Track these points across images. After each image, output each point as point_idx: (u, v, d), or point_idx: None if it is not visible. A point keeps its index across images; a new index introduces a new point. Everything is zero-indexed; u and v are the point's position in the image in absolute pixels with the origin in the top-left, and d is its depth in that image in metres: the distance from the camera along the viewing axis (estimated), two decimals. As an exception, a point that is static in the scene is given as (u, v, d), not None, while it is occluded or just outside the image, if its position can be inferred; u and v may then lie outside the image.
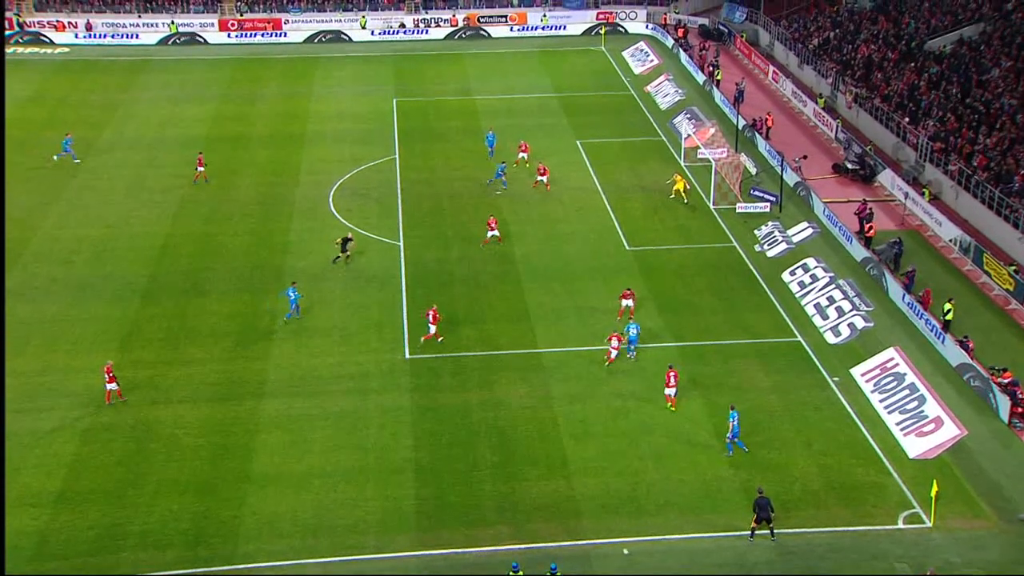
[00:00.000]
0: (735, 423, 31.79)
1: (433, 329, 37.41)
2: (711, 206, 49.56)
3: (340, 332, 38.68)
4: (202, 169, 52.51)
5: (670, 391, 34.40)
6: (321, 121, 61.99)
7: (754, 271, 43.35)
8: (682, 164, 54.89)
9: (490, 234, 44.87)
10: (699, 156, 53.35)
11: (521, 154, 52.93)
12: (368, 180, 53.15)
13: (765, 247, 45.46)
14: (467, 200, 50.57)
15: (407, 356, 37.08)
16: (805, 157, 53.23)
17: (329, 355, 37.18)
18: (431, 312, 37.58)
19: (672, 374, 34.36)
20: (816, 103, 60.99)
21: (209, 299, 40.97)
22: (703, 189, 50.96)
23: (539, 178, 50.63)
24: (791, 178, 51.65)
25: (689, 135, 55.40)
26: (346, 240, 43.59)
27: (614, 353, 36.12)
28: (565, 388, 35.16)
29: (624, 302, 38.75)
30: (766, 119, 58.69)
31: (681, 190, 49.45)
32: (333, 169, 54.35)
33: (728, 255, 44.95)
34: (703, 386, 35.16)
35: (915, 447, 32.27)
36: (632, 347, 36.33)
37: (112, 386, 34.26)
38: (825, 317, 39.55)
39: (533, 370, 36.21)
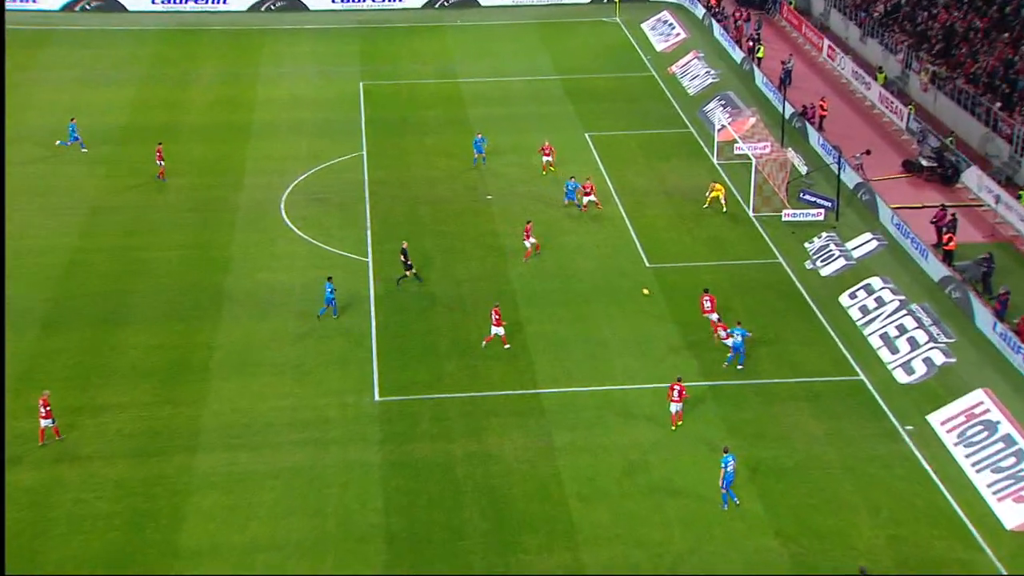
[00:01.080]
0: (728, 469, 32.07)
1: (499, 331, 38.82)
2: (751, 214, 49.88)
3: (294, 369, 38.80)
4: (162, 164, 53.01)
5: (675, 407, 35.01)
6: (270, 109, 62.44)
7: (804, 294, 43.66)
8: (715, 162, 55.34)
9: (528, 243, 45.67)
10: (736, 152, 53.71)
11: (545, 157, 52.67)
12: (329, 182, 53.47)
13: (818, 264, 45.78)
14: (450, 206, 50.91)
15: (376, 399, 37.22)
16: (868, 152, 53.74)
17: (280, 398, 37.31)
18: (494, 311, 39.05)
19: (677, 388, 35.06)
20: (882, 83, 61.61)
21: (129, 329, 41.11)
22: (741, 193, 51.31)
23: (585, 198, 49.54)
24: (851, 179, 52.08)
25: (723, 126, 55.88)
26: (404, 251, 43.85)
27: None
28: (571, 437, 35.28)
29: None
30: (819, 106, 59.26)
31: (720, 197, 49.83)
32: (285, 168, 54.69)
33: (772, 274, 45.21)
34: (741, 435, 35.32)
35: (1013, 515, 32.28)
36: (734, 354, 38.13)
37: (47, 422, 34.42)
38: (894, 351, 39.79)
39: (531, 415, 36.34)
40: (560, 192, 50.59)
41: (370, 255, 46.36)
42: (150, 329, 41.17)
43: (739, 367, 38.58)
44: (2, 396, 35.52)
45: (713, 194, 50.04)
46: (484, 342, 39.65)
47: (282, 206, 50.71)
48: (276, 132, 59.09)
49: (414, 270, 43.86)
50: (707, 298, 40.75)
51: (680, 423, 35.64)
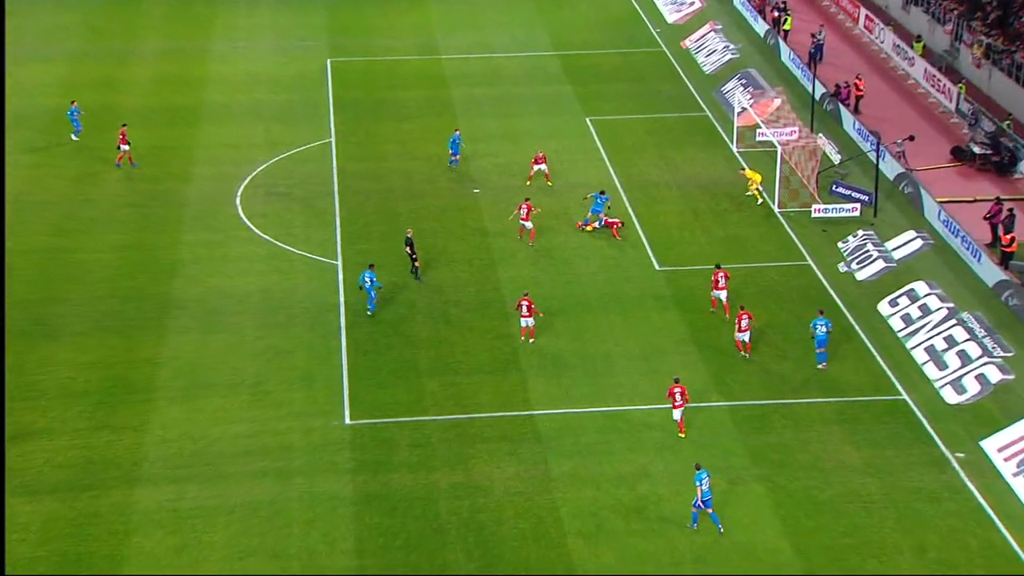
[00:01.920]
0: (704, 487, 32.36)
1: (531, 323, 40.36)
2: (776, 209, 50.13)
3: (252, 388, 38.90)
4: (126, 148, 53.33)
5: (677, 413, 35.47)
6: (224, 89, 62.59)
7: (837, 300, 43.87)
8: (734, 150, 55.58)
9: (527, 224, 46.53)
10: (758, 139, 54.05)
11: (537, 166, 51.66)
12: (292, 173, 53.58)
13: (854, 266, 46.04)
14: (431, 202, 51.07)
15: (347, 422, 37.31)
16: (912, 138, 54.01)
17: (235, 422, 37.38)
18: (525, 302, 40.07)
19: (678, 390, 35.54)
20: (920, 53, 61.93)
21: (59, 343, 41.14)
22: (765, 186, 51.43)
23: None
24: (891, 168, 52.37)
25: (744, 109, 56.17)
26: (409, 241, 44.51)
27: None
28: (570, 466, 35.39)
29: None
30: (855, 85, 59.58)
31: (755, 190, 50.08)
32: (241, 157, 54.79)
33: (800, 277, 45.44)
34: (766, 463, 35.48)
35: (1077, 554, 32.52)
36: (820, 351, 39.31)
37: None
38: (942, 366, 40.02)
39: (525, 440, 36.46)
40: (561, 200, 50.43)
41: (339, 258, 46.47)
42: (84, 343, 41.19)
43: (820, 366, 39.49)
44: (2, 397, 35.88)
45: (753, 184, 50.23)
46: (523, 336, 40.83)
47: (237, 201, 50.81)
48: (230, 116, 59.22)
49: (417, 264, 44.10)
50: (722, 274, 42.07)
51: (683, 435, 36.16)
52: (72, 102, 56.28)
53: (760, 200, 50.07)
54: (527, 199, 47.90)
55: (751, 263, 46.20)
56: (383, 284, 43.17)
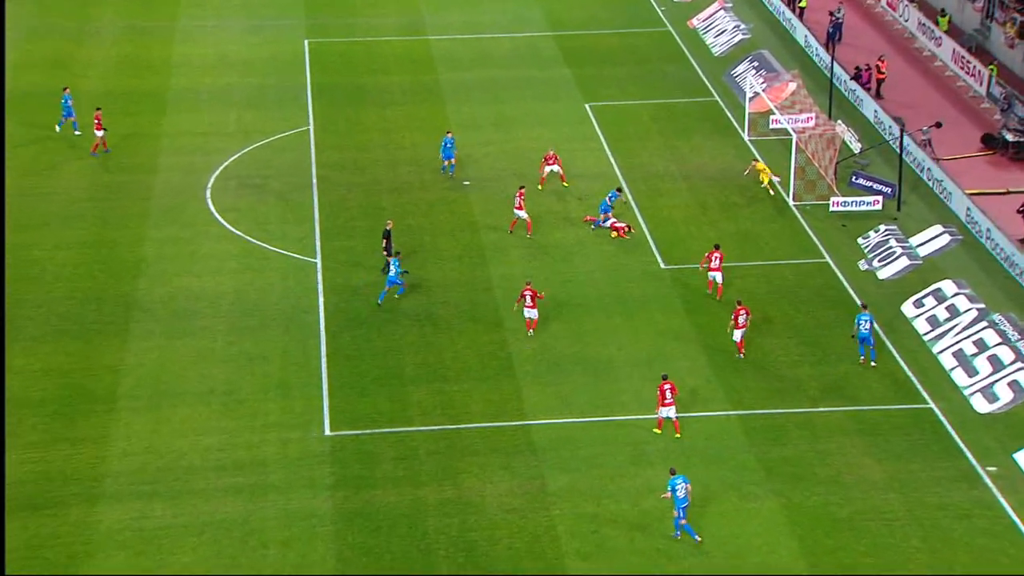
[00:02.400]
0: (679, 493, 32.60)
1: (534, 315, 41.03)
2: (791, 202, 50.27)
3: (223, 397, 38.96)
4: (101, 134, 53.35)
5: (665, 412, 36.33)
6: (191, 73, 62.55)
7: (857, 301, 43.82)
8: (746, 138, 55.70)
9: (521, 213, 47.05)
10: (772, 127, 54.15)
11: (549, 167, 51.05)
12: (266, 164, 53.62)
13: (875, 264, 46.19)
14: (418, 195, 51.16)
15: (327, 433, 37.38)
16: (939, 125, 54.13)
17: (205, 433, 37.43)
18: (528, 292, 40.97)
19: (667, 386, 36.21)
20: (945, 30, 62.05)
21: (12, 349, 40.99)
22: (779, 177, 51.62)
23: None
24: (916, 158, 52.50)
25: (757, 94, 56.26)
26: (387, 234, 44.87)
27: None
28: (568, 480, 35.48)
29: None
30: (876, 67, 59.72)
31: (767, 182, 50.26)
32: (211, 147, 54.82)
33: (817, 276, 45.61)
34: (781, 478, 35.61)
35: (1118, 575, 32.69)
36: (864, 347, 40.23)
37: None
38: (972, 372, 40.17)
39: (519, 453, 36.56)
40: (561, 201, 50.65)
41: (319, 255, 46.55)
42: (40, 349, 41.17)
43: (872, 363, 40.20)
44: (2, 397, 36.26)
45: (764, 176, 50.34)
46: (529, 330, 41.53)
47: (207, 194, 50.85)
48: (198, 102, 59.23)
49: (393, 258, 44.08)
50: (716, 255, 43.30)
51: (679, 435, 36.66)
52: (64, 88, 55.74)
53: (773, 192, 50.19)
54: (521, 186, 47.96)
55: (764, 261, 46.35)
56: (377, 281, 43.11)
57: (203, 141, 55.23)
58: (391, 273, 43.14)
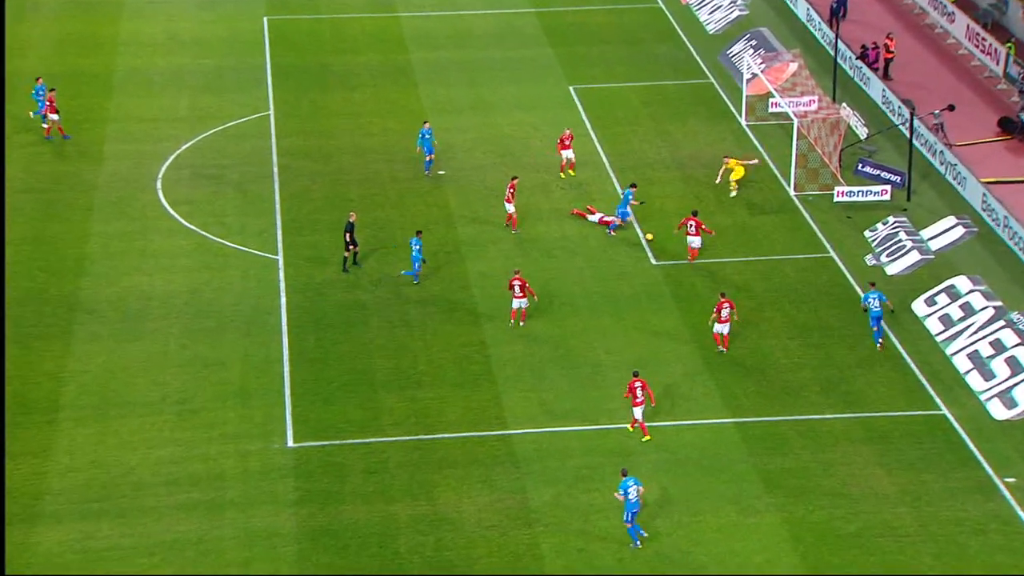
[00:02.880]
0: (631, 496, 32.88)
1: (523, 304, 41.61)
2: (791, 192, 50.40)
3: (176, 406, 38.88)
4: (56, 118, 53.30)
5: (637, 412, 36.74)
6: (141, 52, 62.36)
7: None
8: (743, 123, 55.82)
9: (510, 207, 47.48)
10: (771, 110, 54.26)
11: (566, 154, 51.22)
12: (223, 152, 53.58)
13: (883, 259, 46.36)
14: (389, 186, 51.19)
15: (290, 444, 37.33)
16: (951, 108, 54.16)
17: (156, 446, 37.30)
18: (517, 282, 41.54)
19: (638, 384, 36.60)
20: (968, 12, 62.16)
21: (-53, 353, 41.02)
22: (779, 165, 51.76)
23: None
24: (928, 143, 52.68)
25: (755, 75, 56.28)
26: (350, 227, 44.98)
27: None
28: (552, 494, 35.46)
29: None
30: (884, 45, 59.85)
31: (734, 180, 49.99)
32: (162, 133, 54.69)
33: (820, 272, 45.74)
34: (782, 490, 35.65)
35: None
36: (877, 328, 41.01)
37: None
38: (988, 376, 40.27)
39: (499, 464, 36.55)
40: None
41: (281, 252, 46.57)
42: (-24, 354, 41.13)
43: (879, 344, 41.07)
44: (2, 397, 36.42)
45: (734, 175, 50.03)
46: (512, 319, 42.10)
47: (158, 185, 50.78)
48: (148, 84, 59.10)
49: (355, 252, 44.47)
50: (692, 221, 45.07)
51: (648, 437, 37.05)
52: (37, 79, 55.38)
53: (734, 192, 49.84)
54: (514, 177, 47.98)
55: (763, 256, 46.50)
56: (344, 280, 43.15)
57: (153, 127, 55.15)
58: (414, 252, 43.73)
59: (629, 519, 33.11)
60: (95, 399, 39.16)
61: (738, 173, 50.11)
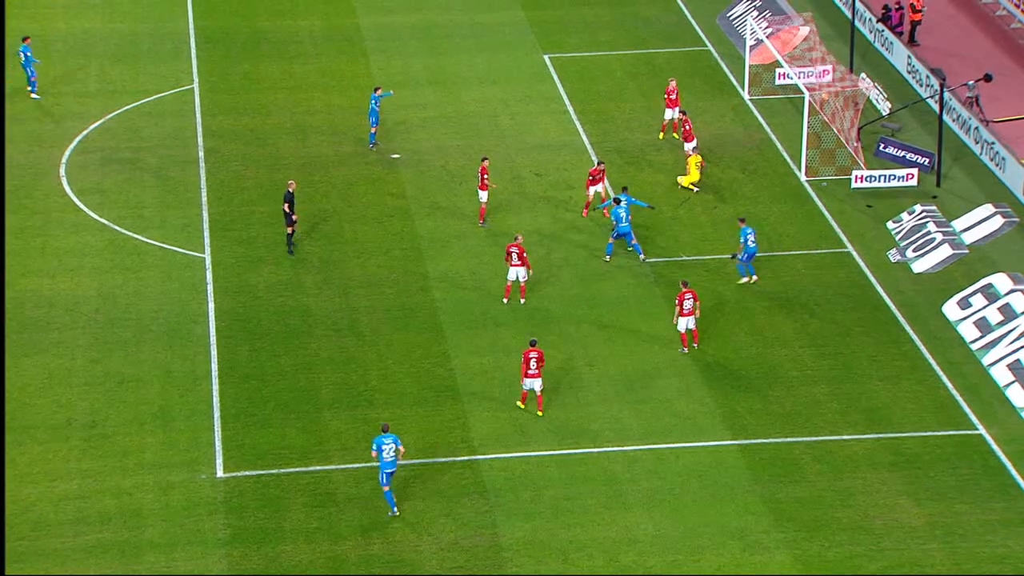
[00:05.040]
0: (386, 455, 33.72)
1: (519, 276, 42.40)
2: (802, 177, 50.58)
3: (85, 431, 38.69)
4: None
5: (531, 383, 38.46)
6: (39, 15, 62.17)
7: (888, 300, 44.31)
8: (745, 97, 55.89)
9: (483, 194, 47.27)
10: (779, 82, 54.36)
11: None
12: (139, 133, 53.47)
13: (909, 254, 46.45)
14: (335, 172, 51.21)
15: (220, 474, 37.19)
16: (988, 78, 54.29)
17: (60, 478, 37.10)
18: (516, 249, 42.71)
19: (533, 355, 38.30)
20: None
21: None
22: (788, 147, 51.93)
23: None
24: (960, 120, 52.73)
25: (760, 41, 56.37)
26: (289, 197, 45.28)
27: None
28: (528, 529, 35.42)
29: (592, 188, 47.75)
30: (910, 6, 59.94)
31: (688, 184, 49.63)
32: (66, 111, 54.60)
33: (836, 270, 45.92)
34: (794, 523, 35.64)
35: None
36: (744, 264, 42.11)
37: None
38: (1031, 388, 40.57)
39: (466, 496, 36.50)
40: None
41: (207, 249, 46.49)
42: None
43: (743, 279, 43.56)
44: (2, 398, 37.19)
45: (688, 176, 49.60)
46: (507, 297, 43.32)
47: (62, 171, 50.66)
48: (48, 52, 58.72)
49: (294, 231, 44.63)
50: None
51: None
52: (24, 39, 55.43)
53: (695, 190, 49.66)
54: (484, 158, 47.79)
55: (771, 252, 46.58)
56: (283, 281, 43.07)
57: (55, 103, 55.04)
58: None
59: (385, 480, 34.30)
60: (-9, 423, 38.92)
61: (692, 177, 49.91)
